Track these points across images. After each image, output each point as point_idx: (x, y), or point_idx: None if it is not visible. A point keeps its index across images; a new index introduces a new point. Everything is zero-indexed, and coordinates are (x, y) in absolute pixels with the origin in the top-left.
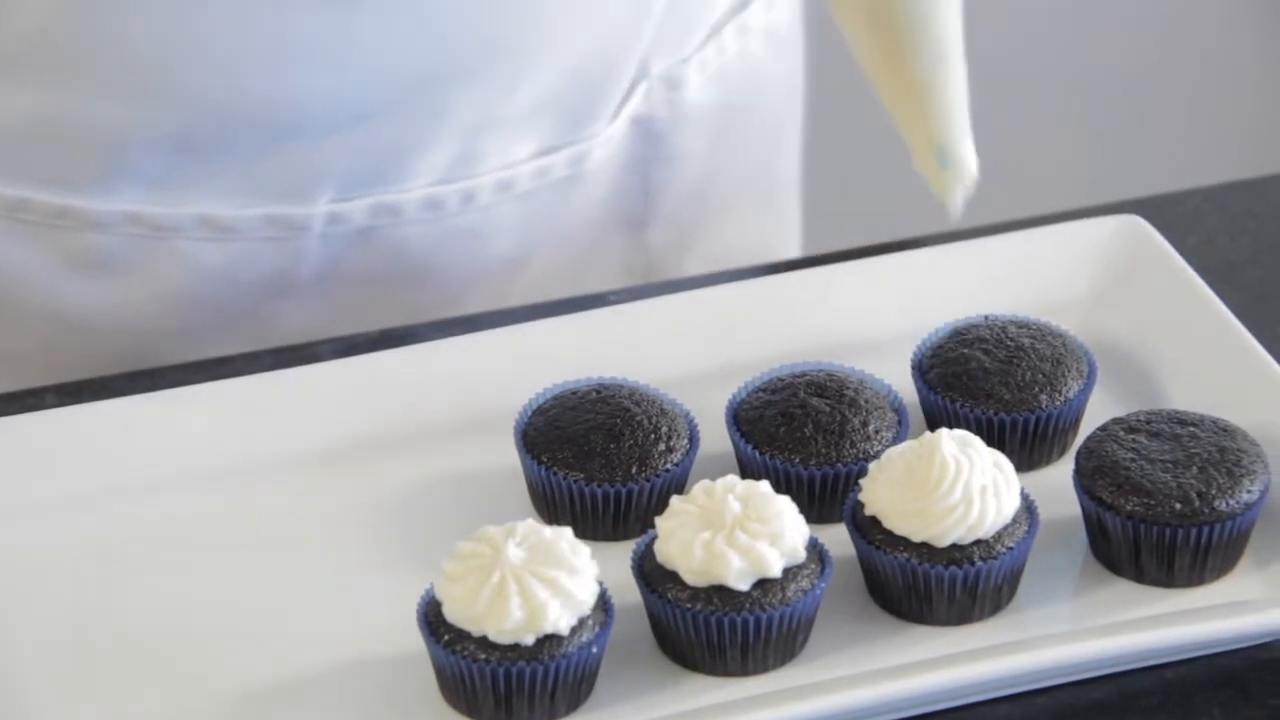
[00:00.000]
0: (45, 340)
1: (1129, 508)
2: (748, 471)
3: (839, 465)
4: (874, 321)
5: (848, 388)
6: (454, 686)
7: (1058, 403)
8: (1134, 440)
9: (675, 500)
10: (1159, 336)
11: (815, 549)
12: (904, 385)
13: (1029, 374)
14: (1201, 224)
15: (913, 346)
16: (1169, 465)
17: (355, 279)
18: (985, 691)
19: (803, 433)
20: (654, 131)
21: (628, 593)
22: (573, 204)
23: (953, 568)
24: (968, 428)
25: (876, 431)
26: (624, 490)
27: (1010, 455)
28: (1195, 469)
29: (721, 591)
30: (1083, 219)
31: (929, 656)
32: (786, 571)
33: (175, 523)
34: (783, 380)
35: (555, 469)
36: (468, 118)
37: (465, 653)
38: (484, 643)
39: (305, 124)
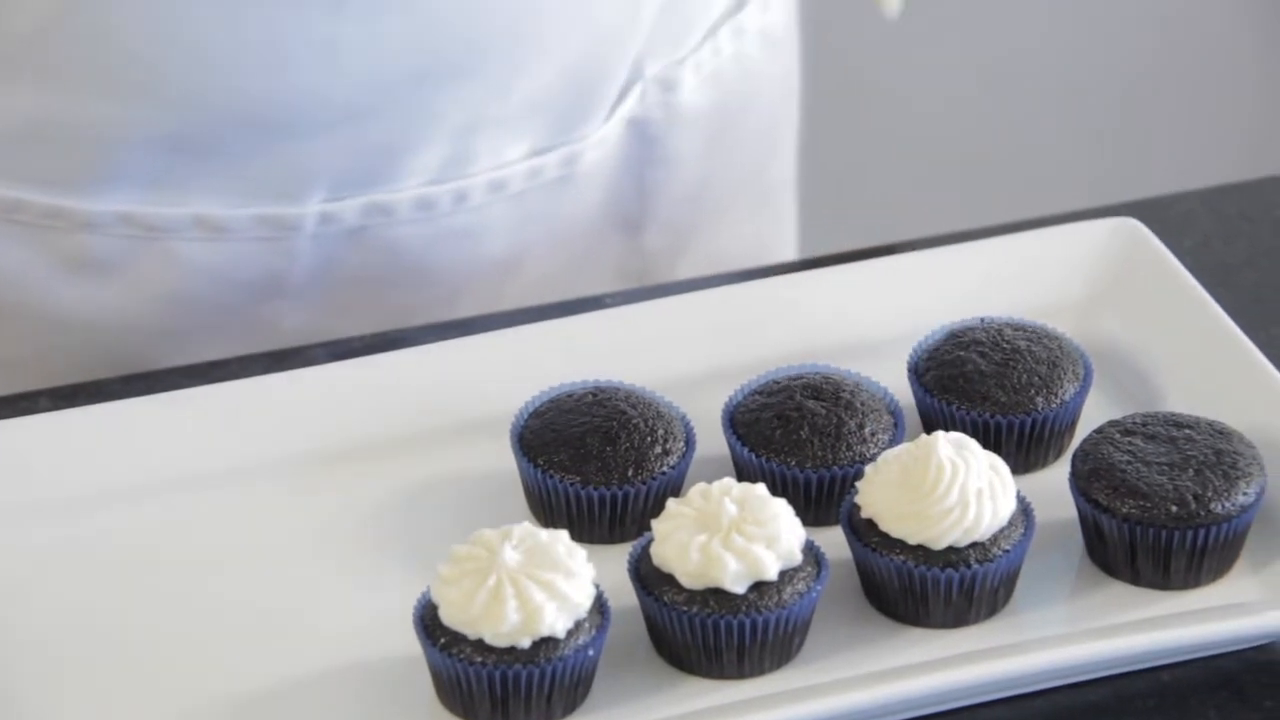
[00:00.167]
0: (39, 341)
1: (1125, 510)
2: (744, 474)
3: (835, 468)
4: (870, 324)
5: (844, 390)
6: (450, 690)
7: (1054, 405)
8: (1130, 443)
9: (671, 503)
10: (1155, 339)
11: (811, 552)
12: (900, 388)
13: (1025, 376)
14: (1197, 226)
15: (909, 349)
16: (1165, 468)
17: (348, 279)
18: (982, 694)
19: (799, 435)
20: (649, 133)
21: (624, 595)
22: (566, 205)
23: (949, 570)
24: (964, 430)
25: (872, 434)
26: (620, 493)
27: (1006, 458)
28: (1191, 471)
29: (718, 594)
30: (1078, 221)
31: (925, 659)
32: (783, 574)
33: (171, 526)
34: (779, 383)
35: (551, 472)
36: (460, 118)
37: (461, 656)
38: (480, 646)
39: (297, 124)
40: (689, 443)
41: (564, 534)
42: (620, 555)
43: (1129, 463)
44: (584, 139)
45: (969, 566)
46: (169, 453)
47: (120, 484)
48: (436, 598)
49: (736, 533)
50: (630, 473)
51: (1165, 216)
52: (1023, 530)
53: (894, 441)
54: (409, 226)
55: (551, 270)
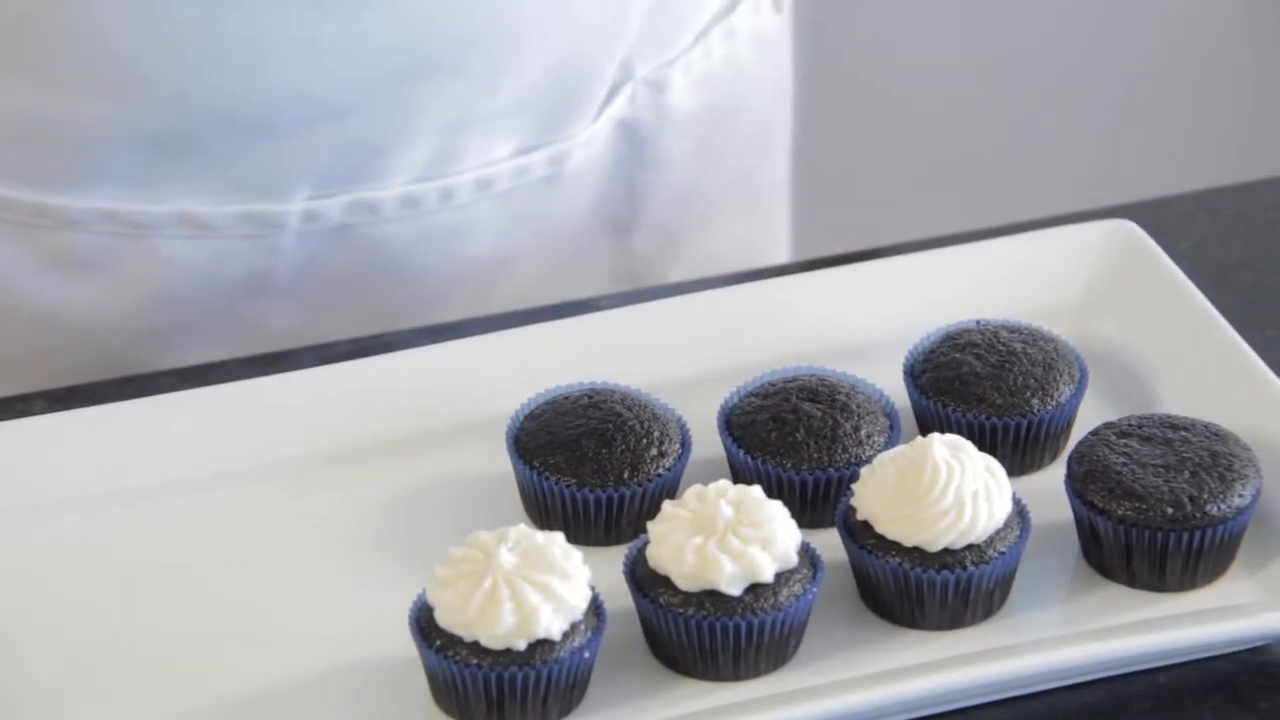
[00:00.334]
0: (24, 340)
1: (1121, 512)
2: (740, 476)
3: (831, 470)
4: (866, 326)
5: (839, 392)
6: (446, 692)
7: (1049, 407)
8: (1126, 445)
9: (667, 505)
10: (1150, 341)
11: (807, 554)
12: (896, 390)
13: (1021, 379)
14: (1193, 228)
15: (904, 351)
16: (1161, 470)
17: (334, 277)
18: (977, 696)
19: (794, 437)
20: (639, 135)
21: (620, 598)
22: (555, 206)
23: (945, 572)
24: (959, 432)
25: (868, 436)
26: (616, 495)
27: (1002, 460)
28: (1187, 473)
29: (713, 596)
30: (1074, 224)
31: (921, 661)
32: (778, 576)
33: (166, 529)
34: (775, 385)
35: (547, 474)
36: (444, 115)
37: (457, 658)
38: (476, 648)
39: (279, 121)
40: (684, 445)
41: (560, 536)
42: (616, 557)
43: (1125, 465)
44: (571, 138)
45: (965, 569)
46: (164, 455)
47: (115, 486)
48: (432, 600)
49: (732, 535)
50: (626, 475)
51: (1161, 218)
52: (1018, 532)
53: (890, 444)
54: (394, 225)
55: (541, 272)
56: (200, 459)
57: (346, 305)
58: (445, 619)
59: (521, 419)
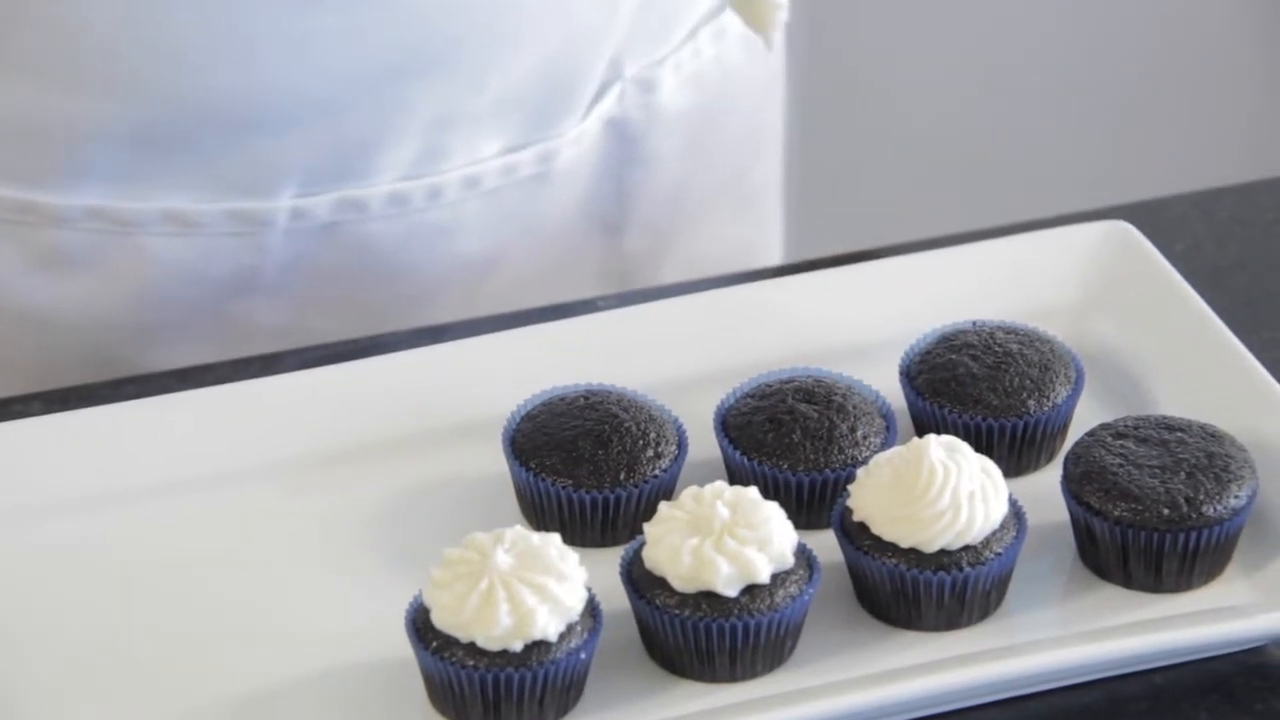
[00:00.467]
0: (11, 339)
1: (1117, 513)
2: (736, 477)
3: (827, 471)
4: (862, 327)
5: (836, 393)
6: (442, 693)
7: (1045, 408)
8: (1122, 446)
9: (663, 506)
10: (1147, 342)
11: (803, 555)
12: (892, 391)
13: (1017, 380)
14: (1189, 229)
15: (901, 352)
16: (1157, 471)
17: (322, 275)
18: (974, 697)
19: (791, 439)
20: (628, 134)
21: (616, 599)
22: (543, 204)
23: (941, 573)
24: (955, 433)
25: (864, 437)
26: (612, 496)
27: (998, 461)
28: (1183, 474)
29: (710, 597)
30: (1070, 225)
31: (917, 662)
32: (775, 577)
33: (163, 530)
34: (771, 386)
35: (543, 475)
36: (433, 113)
37: (453, 659)
38: (472, 649)
39: (268, 118)
40: (681, 446)
41: (556, 537)
42: (612, 558)
43: (1121, 466)
44: (560, 137)
45: (961, 569)
46: (163, 456)
47: (114, 487)
48: (429, 601)
49: (728, 536)
50: (622, 476)
51: (1157, 220)
52: (1015, 533)
53: (886, 445)
54: (382, 223)
55: (530, 270)
56: (199, 460)
57: (334, 303)
58: (441, 620)
59: (518, 420)
